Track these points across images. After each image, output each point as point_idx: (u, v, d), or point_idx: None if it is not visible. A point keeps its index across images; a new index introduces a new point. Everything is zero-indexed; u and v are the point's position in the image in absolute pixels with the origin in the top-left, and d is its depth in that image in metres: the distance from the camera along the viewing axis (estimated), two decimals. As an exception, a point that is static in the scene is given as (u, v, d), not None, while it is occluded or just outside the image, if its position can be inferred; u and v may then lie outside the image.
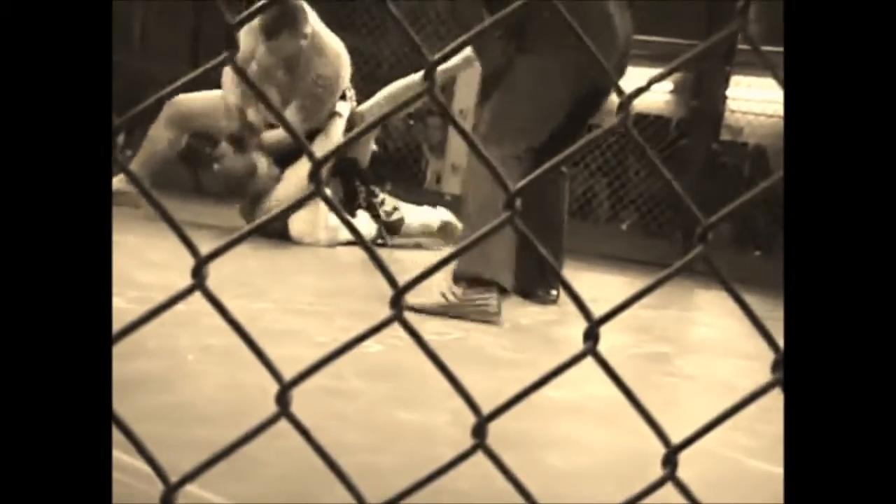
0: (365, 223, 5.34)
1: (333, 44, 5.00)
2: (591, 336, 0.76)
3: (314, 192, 0.68)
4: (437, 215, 5.80)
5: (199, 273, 0.67)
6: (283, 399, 0.69)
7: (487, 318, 3.45)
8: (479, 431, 0.75)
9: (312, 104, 4.98)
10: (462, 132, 0.70)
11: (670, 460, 0.79)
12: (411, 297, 3.49)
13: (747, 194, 0.72)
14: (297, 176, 4.99)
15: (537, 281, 4.29)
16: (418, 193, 7.03)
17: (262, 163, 4.97)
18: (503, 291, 3.53)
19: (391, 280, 0.70)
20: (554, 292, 4.25)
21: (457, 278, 3.50)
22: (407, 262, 4.91)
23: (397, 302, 0.69)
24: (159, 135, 5.12)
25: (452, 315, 3.43)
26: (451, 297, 3.46)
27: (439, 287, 3.51)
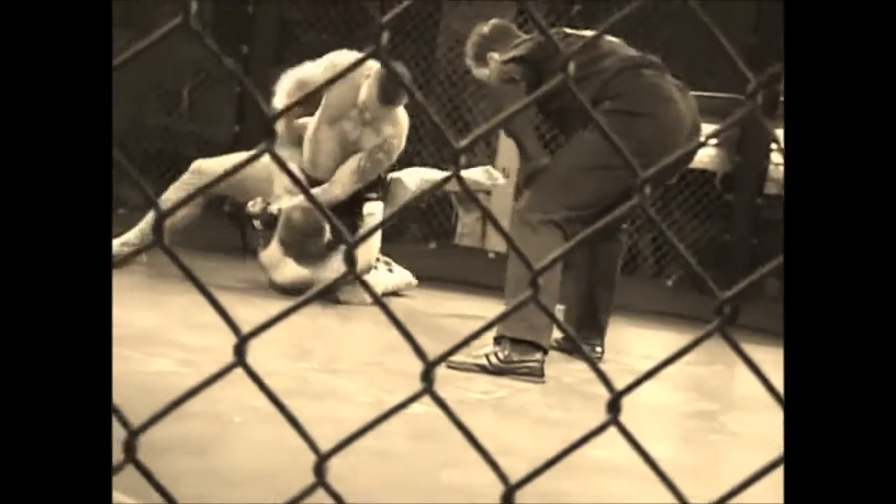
0: (385, 276, 5.34)
1: (400, 109, 5.05)
2: (615, 408, 0.78)
3: (349, 272, 0.72)
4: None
5: (240, 351, 0.71)
6: (319, 470, 0.73)
7: (530, 378, 3.48)
8: (508, 500, 0.77)
9: (372, 167, 5.03)
10: (486, 212, 0.74)
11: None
12: (456, 355, 3.53)
13: (759, 271, 0.74)
14: (374, 220, 5.00)
15: (582, 337, 4.30)
16: (451, 250, 7.01)
17: (320, 221, 4.88)
18: (544, 351, 3.56)
19: (421, 353, 0.73)
20: (599, 349, 4.25)
21: (499, 339, 3.53)
22: (434, 317, 4.93)
23: (428, 375, 0.73)
24: (176, 200, 5.00)
25: (496, 373, 3.45)
26: (494, 358, 3.49)
27: (482, 344, 3.53)
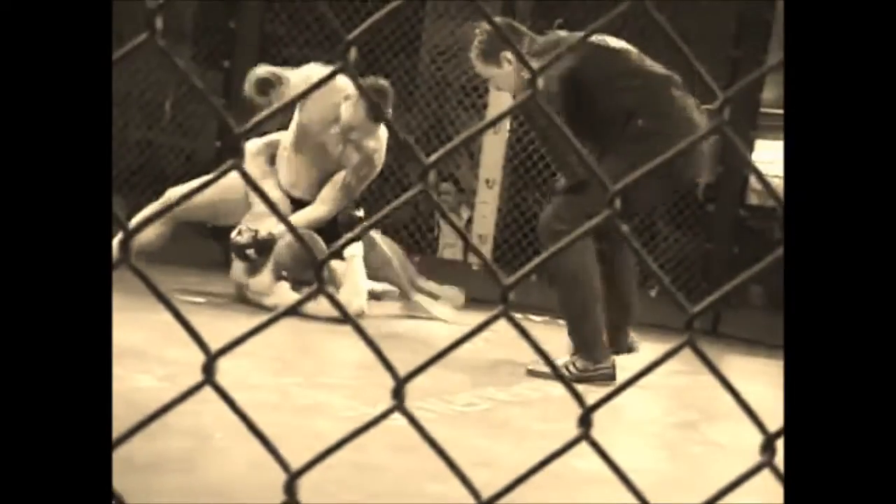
0: (428, 305, 5.36)
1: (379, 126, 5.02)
2: (586, 422, 0.79)
3: (318, 289, 0.72)
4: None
5: (209, 370, 0.70)
6: (290, 488, 0.73)
7: (612, 377, 3.74)
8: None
9: (358, 182, 5.00)
10: (458, 230, 0.74)
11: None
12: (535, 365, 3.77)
13: (729, 284, 0.75)
14: (357, 260, 4.94)
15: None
16: (435, 262, 6.98)
17: (320, 243, 4.74)
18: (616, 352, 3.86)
19: (391, 370, 0.73)
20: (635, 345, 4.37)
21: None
22: (418, 329, 4.93)
23: (399, 392, 0.73)
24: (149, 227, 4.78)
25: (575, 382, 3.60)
26: (569, 369, 3.72)
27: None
